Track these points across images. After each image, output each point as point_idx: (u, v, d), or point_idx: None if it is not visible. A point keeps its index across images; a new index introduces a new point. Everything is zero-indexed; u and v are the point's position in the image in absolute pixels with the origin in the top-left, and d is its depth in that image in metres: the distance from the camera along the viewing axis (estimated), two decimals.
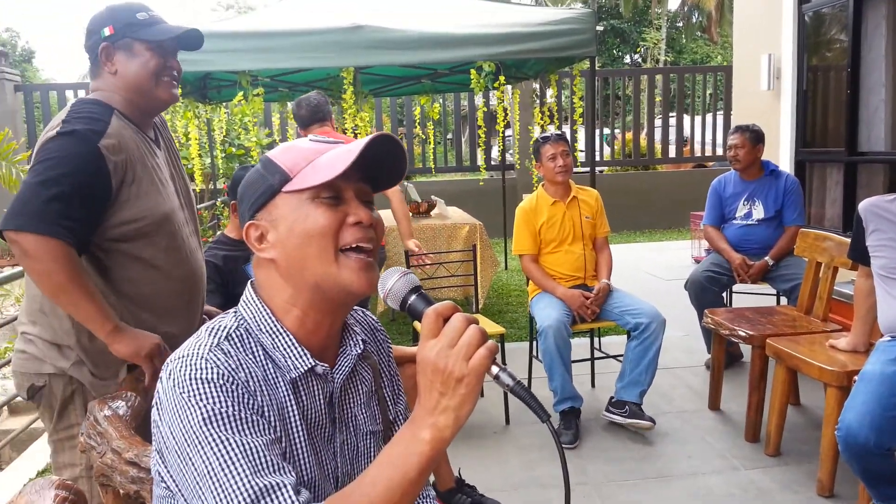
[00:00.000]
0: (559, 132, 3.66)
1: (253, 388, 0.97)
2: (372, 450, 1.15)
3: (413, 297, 0.96)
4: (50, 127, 1.69)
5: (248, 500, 0.87)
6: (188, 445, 0.91)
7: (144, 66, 1.75)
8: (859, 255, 2.66)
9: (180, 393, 0.93)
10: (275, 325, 1.04)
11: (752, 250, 3.98)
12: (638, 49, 23.35)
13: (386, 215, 4.61)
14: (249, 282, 1.10)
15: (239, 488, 0.88)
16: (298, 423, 1.02)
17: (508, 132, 8.49)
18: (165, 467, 0.98)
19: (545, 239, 3.56)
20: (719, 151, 10.05)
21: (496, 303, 5.88)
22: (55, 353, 1.76)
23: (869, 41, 4.64)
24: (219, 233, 3.14)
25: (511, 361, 4.04)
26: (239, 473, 0.89)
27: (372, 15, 4.61)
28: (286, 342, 1.04)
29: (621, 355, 3.51)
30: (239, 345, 1.01)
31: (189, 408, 0.92)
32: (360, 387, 1.14)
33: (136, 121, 1.79)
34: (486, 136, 9.17)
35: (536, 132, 6.13)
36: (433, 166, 9.86)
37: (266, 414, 0.97)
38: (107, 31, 1.75)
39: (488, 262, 5.10)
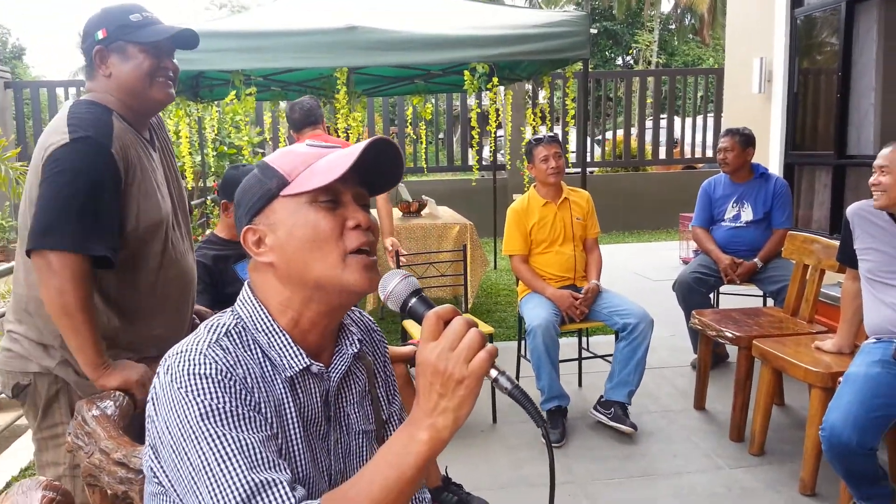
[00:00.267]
0: (552, 134, 3.68)
1: (251, 385, 0.98)
2: (364, 449, 1.16)
3: (414, 300, 0.98)
4: (54, 132, 1.66)
5: (244, 495, 0.88)
6: (184, 440, 0.92)
7: (138, 68, 1.75)
8: (847, 259, 2.69)
9: (178, 388, 0.94)
10: (271, 325, 1.05)
11: (740, 252, 4.01)
12: (630, 51, 23.43)
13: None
14: (246, 282, 1.11)
15: (235, 483, 0.89)
16: (295, 420, 1.03)
17: (500, 133, 8.51)
18: (159, 463, 0.98)
19: (536, 239, 3.59)
20: (709, 153, 10.11)
21: (485, 302, 5.90)
22: (40, 353, 1.76)
23: (860, 45, 4.69)
24: (208, 232, 3.14)
25: (499, 360, 4.03)
26: (235, 469, 0.89)
27: (366, 16, 4.62)
28: (282, 342, 1.05)
29: (609, 355, 3.53)
30: (238, 342, 1.02)
31: (186, 403, 0.93)
32: (353, 386, 1.15)
33: (131, 122, 1.79)
34: (479, 136, 9.20)
35: (528, 133, 6.16)
36: (425, 166, 9.87)
37: (263, 411, 0.98)
38: (100, 35, 1.74)
39: (478, 262, 5.12)
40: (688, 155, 10.43)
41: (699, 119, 10.34)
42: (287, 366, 1.04)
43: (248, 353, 1.02)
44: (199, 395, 0.93)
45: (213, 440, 0.91)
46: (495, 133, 5.96)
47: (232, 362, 0.97)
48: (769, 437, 3.09)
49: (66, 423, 1.77)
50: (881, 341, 2.47)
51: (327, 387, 1.09)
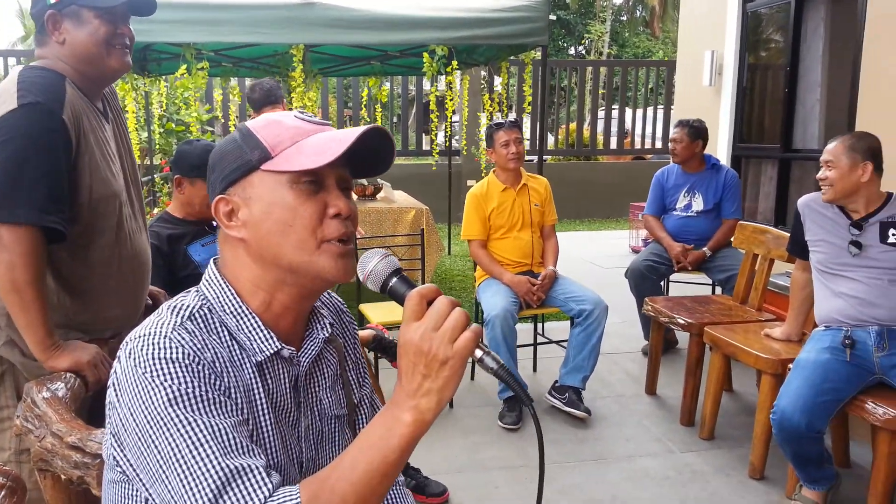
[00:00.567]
0: (513, 119, 3.67)
1: (219, 369, 0.93)
2: (336, 434, 1.12)
3: (395, 280, 0.95)
4: (1, 97, 1.56)
5: (218, 482, 0.84)
6: (151, 428, 0.87)
7: (93, 35, 1.66)
8: (798, 250, 2.77)
9: (142, 373, 0.89)
10: (240, 307, 1.01)
11: (690, 241, 4.10)
12: (583, 41, 23.64)
13: None
14: (212, 259, 1.06)
15: (208, 470, 0.85)
16: (265, 405, 0.99)
17: (455, 118, 8.48)
18: (122, 451, 0.93)
19: (494, 225, 3.58)
20: (658, 145, 10.30)
21: (440, 288, 5.88)
22: None
23: (808, 42, 4.82)
24: (157, 210, 3.03)
25: None
26: (207, 455, 0.85)
27: None
28: (251, 324, 1.00)
29: (564, 341, 3.57)
30: (203, 325, 0.97)
31: (152, 388, 0.88)
32: (325, 370, 1.12)
33: (84, 91, 1.70)
34: (436, 121, 9.17)
35: (483, 119, 6.14)
36: None
37: (233, 395, 0.93)
38: None
39: (434, 247, 5.10)
40: (638, 146, 10.60)
41: (650, 110, 10.52)
42: (257, 350, 0.99)
43: (216, 336, 0.97)
44: (165, 380, 0.88)
45: (183, 426, 0.86)
46: (451, 119, 5.91)
47: (199, 345, 0.92)
48: (718, 422, 3.17)
49: (11, 406, 1.68)
50: (830, 329, 2.55)
51: (297, 372, 1.05)
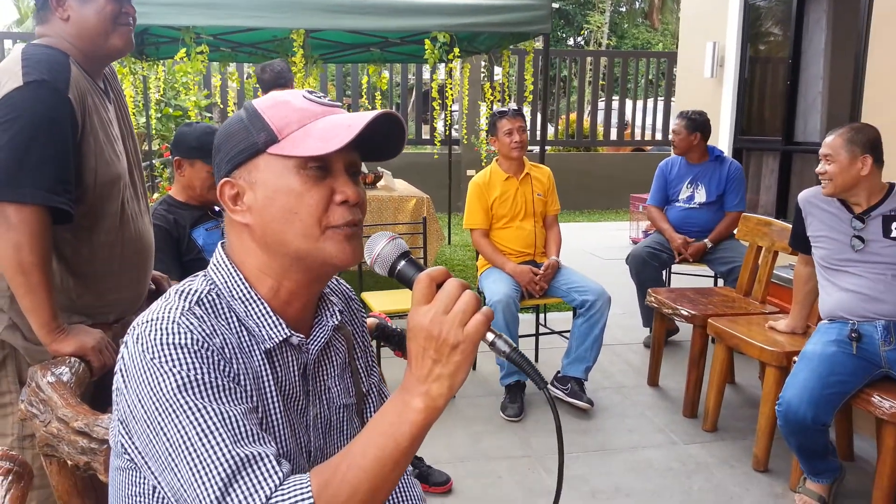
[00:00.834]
0: (517, 108, 3.64)
1: (228, 356, 0.91)
2: (345, 423, 1.10)
3: (402, 263, 0.92)
4: (6, 75, 1.53)
5: (229, 470, 0.82)
6: (159, 415, 0.85)
7: (100, 12, 1.62)
8: (800, 245, 2.75)
9: (150, 359, 0.86)
10: (248, 292, 0.98)
11: (693, 233, 4.08)
12: (582, 32, 23.54)
13: None
14: (220, 243, 1.03)
15: (218, 458, 0.82)
16: (274, 393, 0.96)
17: (455, 107, 8.44)
18: (130, 439, 0.91)
19: (497, 214, 3.56)
20: (658, 136, 10.27)
21: None
22: None
23: (810, 34, 4.79)
24: (157, 194, 2.99)
25: None
26: (218, 443, 0.83)
27: None
28: (260, 310, 0.97)
29: (566, 331, 3.55)
30: (211, 310, 0.94)
31: (161, 374, 0.85)
32: (334, 358, 1.09)
33: (88, 70, 1.66)
34: (437, 109, 9.13)
35: (483, 109, 6.10)
36: None
37: (242, 382, 0.91)
38: None
39: (434, 236, 5.07)
40: (638, 137, 10.57)
41: (650, 102, 10.49)
42: (266, 336, 0.97)
43: (224, 321, 0.94)
44: (174, 366, 0.85)
45: (193, 413, 0.84)
46: (451, 107, 5.87)
47: (208, 331, 0.90)
48: (721, 414, 3.16)
49: (14, 391, 1.65)
50: (836, 321, 2.54)
51: (305, 360, 1.03)
